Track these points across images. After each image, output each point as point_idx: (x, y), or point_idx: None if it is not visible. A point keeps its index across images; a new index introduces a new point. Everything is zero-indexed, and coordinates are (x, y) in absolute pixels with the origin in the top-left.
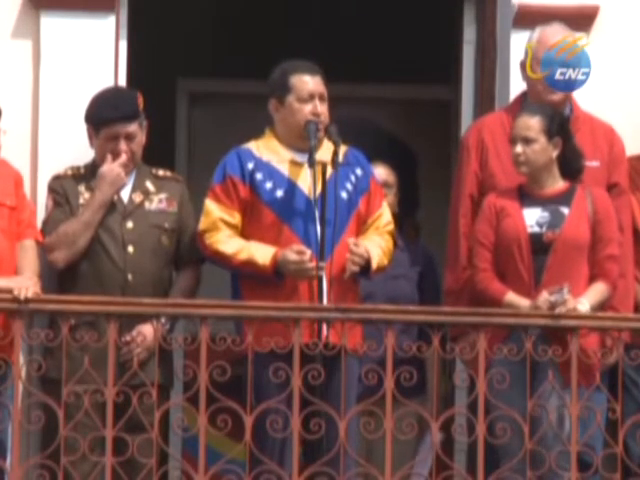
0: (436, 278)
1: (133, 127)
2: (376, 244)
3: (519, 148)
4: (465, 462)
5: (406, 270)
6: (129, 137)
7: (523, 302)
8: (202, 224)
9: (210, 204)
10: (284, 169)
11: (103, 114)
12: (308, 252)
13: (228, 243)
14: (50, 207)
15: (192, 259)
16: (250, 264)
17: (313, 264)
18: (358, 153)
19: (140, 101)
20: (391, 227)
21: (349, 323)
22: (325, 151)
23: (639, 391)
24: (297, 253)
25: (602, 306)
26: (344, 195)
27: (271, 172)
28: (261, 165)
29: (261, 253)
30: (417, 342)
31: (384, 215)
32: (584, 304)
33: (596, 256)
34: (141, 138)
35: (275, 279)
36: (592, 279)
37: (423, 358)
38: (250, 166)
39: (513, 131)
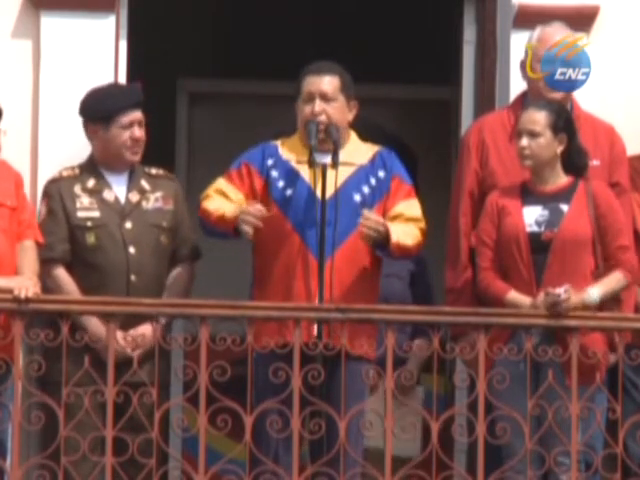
0: (427, 277)
1: (142, 115)
2: (396, 226)
3: (525, 141)
4: (465, 462)
5: (397, 269)
6: (140, 124)
7: (525, 300)
8: (205, 190)
9: (220, 180)
10: (299, 168)
11: (117, 101)
12: (257, 207)
13: (213, 202)
14: (43, 214)
15: (186, 257)
16: (222, 220)
17: (253, 213)
18: (389, 154)
19: (141, 91)
20: (418, 220)
21: (349, 324)
22: (353, 150)
23: (638, 392)
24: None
25: (621, 294)
26: (357, 197)
27: (286, 170)
28: (279, 163)
29: (230, 209)
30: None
31: (409, 210)
32: (592, 294)
33: (607, 249)
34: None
35: (234, 234)
36: (608, 271)
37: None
38: (270, 162)
39: (519, 125)
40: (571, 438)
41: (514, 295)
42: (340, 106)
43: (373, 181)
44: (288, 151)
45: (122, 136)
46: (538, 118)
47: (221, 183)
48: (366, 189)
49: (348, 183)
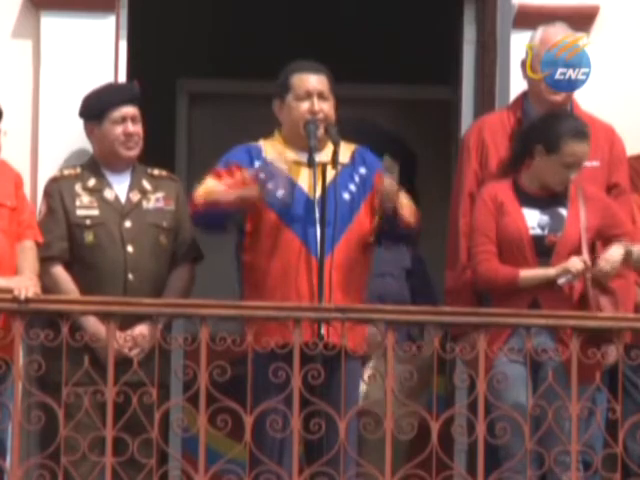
0: (426, 273)
1: (136, 110)
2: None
3: (574, 174)
4: (465, 462)
5: (392, 268)
6: (134, 120)
7: (539, 272)
8: (196, 190)
9: (209, 180)
10: (288, 169)
11: (108, 98)
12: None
13: (213, 186)
14: (43, 213)
15: (187, 258)
16: (216, 198)
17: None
18: (365, 151)
19: (138, 88)
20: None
21: (349, 324)
22: (329, 151)
23: (638, 392)
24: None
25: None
26: (346, 196)
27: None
28: (265, 165)
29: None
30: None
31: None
32: (616, 249)
33: (610, 239)
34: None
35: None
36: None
37: None
38: (257, 164)
39: (571, 157)
40: (570, 438)
41: (526, 271)
42: (332, 104)
43: (357, 178)
44: (271, 152)
45: (114, 131)
46: (588, 152)
47: (212, 182)
48: (352, 187)
49: (338, 182)
